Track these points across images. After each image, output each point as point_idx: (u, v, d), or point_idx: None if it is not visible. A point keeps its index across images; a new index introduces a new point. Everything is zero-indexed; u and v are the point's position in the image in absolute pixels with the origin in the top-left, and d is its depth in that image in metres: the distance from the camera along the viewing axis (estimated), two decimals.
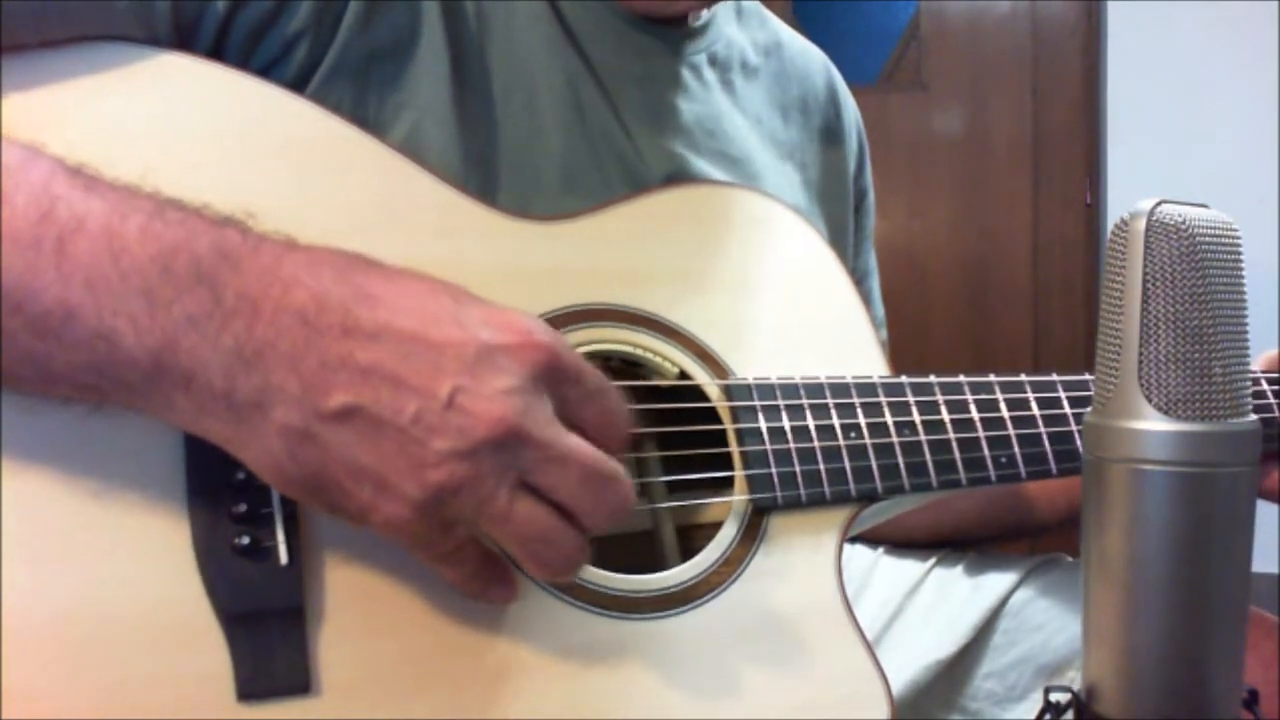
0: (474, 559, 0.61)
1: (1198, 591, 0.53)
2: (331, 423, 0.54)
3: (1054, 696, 0.58)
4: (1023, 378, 0.82)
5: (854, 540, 1.07)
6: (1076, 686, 0.57)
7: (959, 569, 1.02)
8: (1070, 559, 1.02)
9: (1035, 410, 0.81)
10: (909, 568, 1.04)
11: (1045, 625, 0.95)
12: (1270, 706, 0.77)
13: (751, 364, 0.76)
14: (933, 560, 1.03)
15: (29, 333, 0.54)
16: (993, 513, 1.02)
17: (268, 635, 0.59)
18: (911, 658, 0.96)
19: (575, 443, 0.57)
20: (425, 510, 0.55)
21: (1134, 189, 2.84)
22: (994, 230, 3.23)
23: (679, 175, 0.84)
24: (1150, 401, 0.52)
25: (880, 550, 1.07)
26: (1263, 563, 0.70)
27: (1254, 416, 0.54)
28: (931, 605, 1.00)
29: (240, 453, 0.56)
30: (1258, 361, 0.89)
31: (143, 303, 0.54)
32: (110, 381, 0.55)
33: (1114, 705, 0.55)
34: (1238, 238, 0.54)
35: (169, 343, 0.54)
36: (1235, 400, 0.53)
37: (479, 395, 0.55)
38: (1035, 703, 0.78)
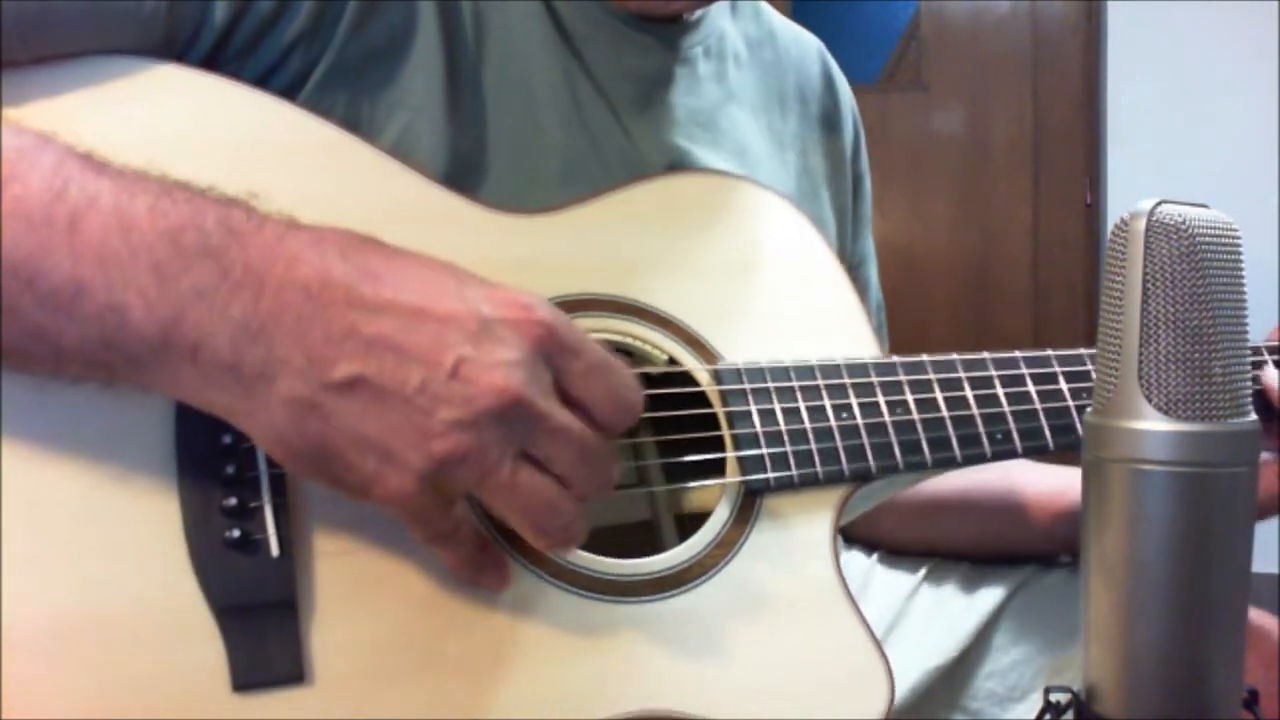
0: (470, 540, 0.62)
1: (1198, 591, 0.53)
2: (336, 393, 0.55)
3: (1054, 696, 0.58)
4: (1017, 354, 0.82)
5: (850, 545, 1.07)
6: (1076, 686, 0.57)
7: (959, 571, 1.01)
8: (1070, 561, 1.01)
9: (1030, 386, 0.80)
10: (908, 571, 1.03)
11: (1046, 625, 0.94)
12: (1270, 706, 0.77)
13: (742, 349, 0.76)
14: (932, 563, 1.03)
15: (40, 309, 0.55)
16: (987, 539, 1.00)
17: (261, 627, 0.60)
18: (912, 663, 0.95)
19: (571, 417, 0.58)
20: (429, 481, 0.56)
21: (1134, 189, 2.84)
22: (994, 230, 3.23)
23: (677, 168, 0.84)
24: (1150, 401, 0.52)
25: (875, 556, 1.06)
26: (1263, 563, 0.70)
27: (1253, 416, 0.54)
28: (932, 608, 1.00)
29: (245, 424, 0.57)
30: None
31: (152, 277, 0.54)
32: (120, 356, 0.55)
33: (1114, 705, 0.55)
34: (1238, 238, 0.54)
35: (177, 315, 0.54)
36: (1235, 400, 0.53)
37: (482, 365, 0.55)
38: (1035, 703, 0.78)
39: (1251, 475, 0.54)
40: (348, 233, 0.59)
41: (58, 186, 0.55)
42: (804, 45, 1.01)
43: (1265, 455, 0.81)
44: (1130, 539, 0.53)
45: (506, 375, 0.56)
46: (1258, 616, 0.87)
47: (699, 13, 0.89)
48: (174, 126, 0.65)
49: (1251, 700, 0.56)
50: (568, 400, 0.59)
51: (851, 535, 1.07)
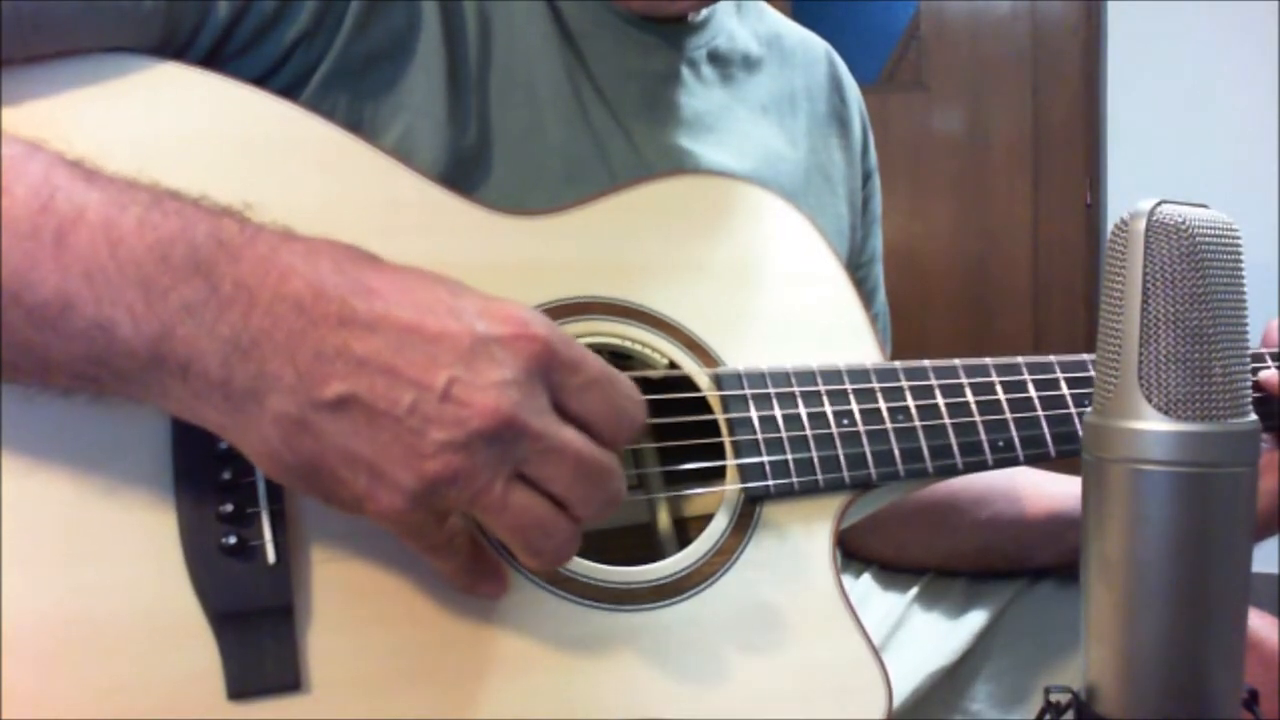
0: (465, 551, 0.61)
1: (1198, 591, 0.53)
2: (327, 412, 0.54)
3: (1054, 696, 0.58)
4: (1019, 360, 0.81)
5: (845, 562, 1.06)
6: (1076, 686, 0.57)
7: (955, 586, 1.01)
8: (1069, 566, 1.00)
9: (1033, 393, 0.80)
10: (905, 580, 1.03)
11: (1046, 629, 0.94)
12: (1270, 706, 0.77)
13: (743, 354, 0.76)
14: (926, 579, 1.02)
15: (27, 323, 0.54)
16: (991, 546, 1.00)
17: (257, 634, 0.59)
18: (912, 666, 0.95)
19: (569, 435, 0.57)
20: (420, 500, 0.55)
21: (1134, 189, 2.84)
22: (994, 230, 3.23)
23: (680, 169, 0.84)
24: (1150, 401, 0.52)
25: (867, 574, 1.06)
26: (1263, 563, 0.70)
27: (1253, 416, 0.54)
28: (932, 615, 0.99)
29: (237, 441, 0.56)
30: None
31: (140, 293, 0.54)
32: (108, 371, 0.55)
33: (1114, 705, 0.55)
34: (1238, 238, 0.54)
35: (166, 332, 0.54)
36: (1235, 400, 0.52)
37: (474, 387, 0.55)
38: (1036, 705, 0.78)
39: (1251, 475, 0.53)
40: (342, 245, 0.58)
41: (44, 197, 0.55)
42: (811, 47, 1.00)
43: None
44: (1130, 539, 0.53)
45: (499, 396, 0.55)
46: (1258, 616, 0.87)
47: (704, 13, 0.89)
48: (173, 125, 0.65)
49: (1251, 700, 0.56)
50: (567, 416, 0.58)
51: (846, 548, 1.06)
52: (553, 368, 0.57)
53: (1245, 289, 0.54)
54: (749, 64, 0.93)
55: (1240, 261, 0.54)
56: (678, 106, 0.86)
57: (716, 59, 0.90)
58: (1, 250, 0.54)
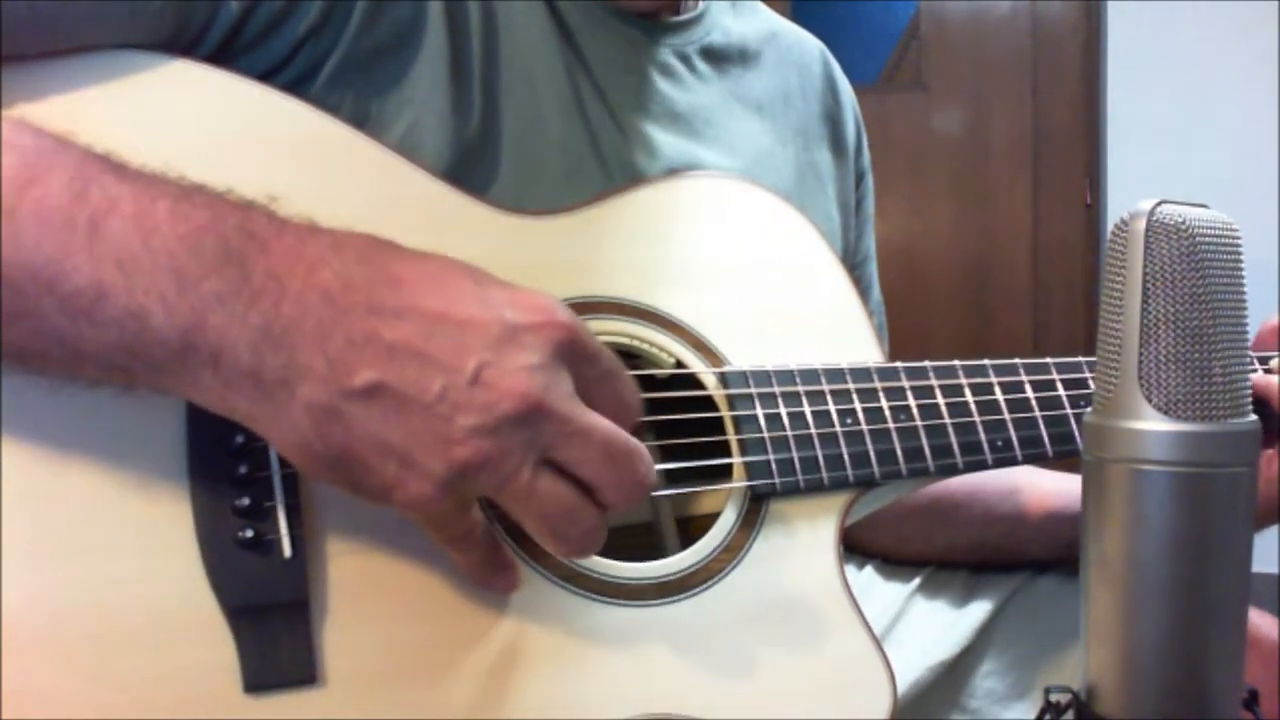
0: (484, 544, 0.62)
1: (1198, 591, 0.53)
2: (357, 400, 0.54)
3: (1054, 696, 0.58)
4: (1017, 361, 0.82)
5: (850, 552, 1.07)
6: (1076, 686, 0.57)
7: (957, 578, 1.01)
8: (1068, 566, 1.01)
9: (1030, 393, 0.81)
10: (903, 581, 1.03)
11: (1046, 625, 0.95)
12: (1270, 706, 0.77)
13: (747, 353, 0.77)
14: (928, 571, 1.03)
15: (60, 312, 0.55)
16: (989, 542, 1.00)
17: (273, 628, 0.60)
18: (912, 661, 0.95)
19: (596, 418, 0.58)
20: (449, 487, 0.56)
21: (1134, 189, 2.84)
22: (994, 230, 3.23)
23: (677, 166, 0.84)
24: (1150, 401, 0.52)
25: (869, 567, 1.06)
26: (1263, 563, 0.70)
27: (1253, 416, 0.54)
28: (930, 610, 1.00)
29: (266, 431, 0.57)
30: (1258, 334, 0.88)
31: (172, 281, 0.54)
32: (139, 361, 0.55)
33: (1114, 705, 0.55)
34: (1238, 238, 0.54)
35: (198, 320, 0.54)
36: (1235, 400, 0.53)
37: (504, 371, 0.55)
38: (1036, 701, 0.78)
39: (1251, 475, 0.54)
40: (368, 237, 0.58)
41: (78, 188, 0.55)
42: (806, 46, 1.01)
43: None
44: (1130, 539, 0.54)
45: (528, 380, 0.55)
46: (1258, 616, 0.87)
47: (699, 8, 0.89)
48: (182, 121, 0.65)
49: (1251, 700, 0.56)
50: (585, 404, 0.58)
51: (849, 543, 1.06)
52: (577, 356, 0.58)
53: (1245, 289, 0.54)
54: (743, 61, 0.94)
55: (1240, 261, 0.54)
56: (672, 102, 0.87)
57: (711, 55, 0.91)
58: (37, 239, 0.54)
